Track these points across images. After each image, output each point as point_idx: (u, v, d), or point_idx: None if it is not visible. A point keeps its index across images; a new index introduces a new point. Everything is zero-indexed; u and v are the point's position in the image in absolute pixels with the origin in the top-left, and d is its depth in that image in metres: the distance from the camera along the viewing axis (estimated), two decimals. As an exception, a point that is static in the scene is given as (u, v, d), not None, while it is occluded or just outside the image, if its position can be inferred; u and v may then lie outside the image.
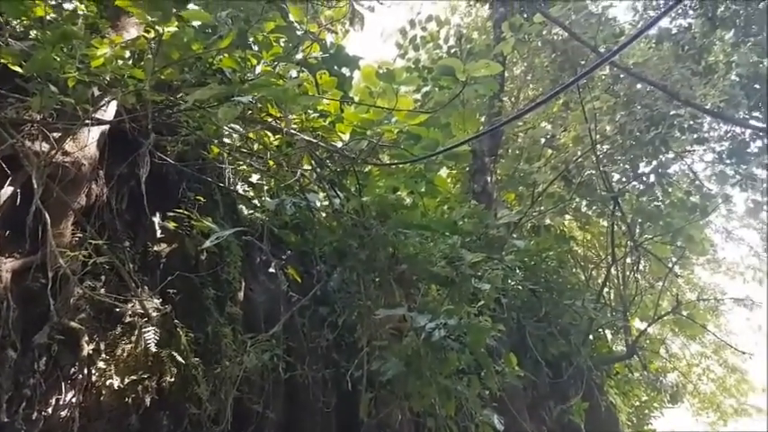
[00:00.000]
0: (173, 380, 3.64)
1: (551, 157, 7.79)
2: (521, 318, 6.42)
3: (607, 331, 8.94)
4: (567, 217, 9.64)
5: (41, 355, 3.24)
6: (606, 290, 8.52)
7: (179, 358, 3.67)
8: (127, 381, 3.42)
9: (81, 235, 3.53)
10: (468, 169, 7.97)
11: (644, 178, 8.02)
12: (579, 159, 7.60)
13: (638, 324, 9.18)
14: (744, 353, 9.68)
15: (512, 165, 8.25)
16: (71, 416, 3.22)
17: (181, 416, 3.74)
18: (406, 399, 4.51)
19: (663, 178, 7.90)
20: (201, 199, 4.39)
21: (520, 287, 6.15)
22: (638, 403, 9.96)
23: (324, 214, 5.14)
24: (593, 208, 8.65)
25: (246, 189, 5.64)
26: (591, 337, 7.28)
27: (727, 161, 8.41)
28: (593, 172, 7.62)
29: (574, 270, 8.91)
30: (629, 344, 7.55)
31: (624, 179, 8.22)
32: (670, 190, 8.12)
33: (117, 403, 3.38)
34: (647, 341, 9.18)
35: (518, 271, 5.95)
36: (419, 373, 4.06)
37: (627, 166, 8.07)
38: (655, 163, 7.96)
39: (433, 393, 4.10)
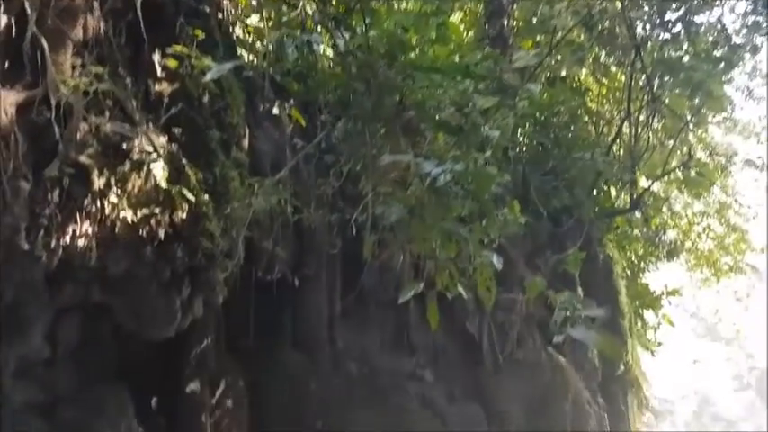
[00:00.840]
0: (184, 216, 3.79)
1: (573, 1, 7.29)
2: (527, 170, 6.47)
3: (612, 188, 9.04)
4: (584, 70, 9.31)
5: (54, 187, 3.34)
6: (616, 147, 8.47)
7: (189, 196, 3.79)
8: (139, 214, 3.55)
9: (81, 68, 3.47)
10: (483, 13, 7.56)
11: (670, 27, 7.60)
12: (603, 4, 7.11)
13: (643, 183, 9.25)
14: (749, 207, 9.78)
15: (531, 8, 7.75)
16: (88, 245, 3.40)
17: (194, 249, 3.94)
18: (408, 242, 4.68)
19: (690, 27, 7.48)
20: (200, 33, 4.22)
21: (528, 139, 6.11)
22: (634, 258, 10.36)
23: (328, 61, 4.99)
24: (613, 58, 8.30)
25: (247, 32, 5.43)
26: (595, 191, 7.37)
27: (762, 11, 7.90)
28: (617, 19, 7.19)
29: (586, 125, 8.78)
30: (633, 198, 7.65)
31: (649, 27, 7.78)
32: (696, 40, 7.73)
33: (131, 235, 3.55)
34: (651, 198, 9.31)
35: (529, 121, 5.87)
36: (422, 218, 4.17)
37: (653, 13, 7.60)
38: (683, 10, 7.48)
39: (435, 237, 4.24)
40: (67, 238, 3.32)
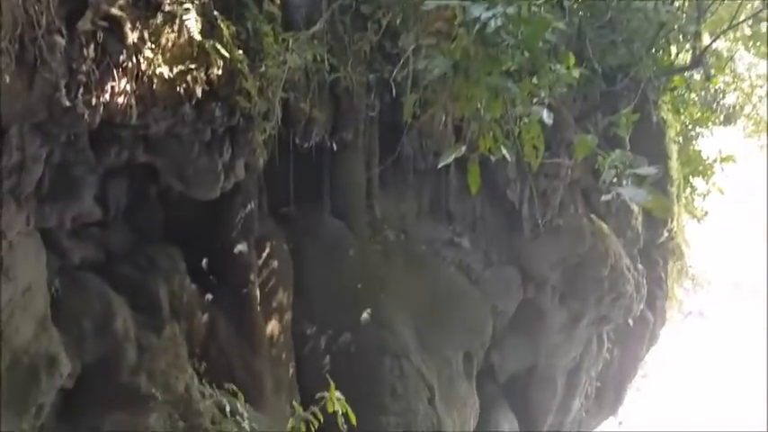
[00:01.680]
0: (220, 72, 3.67)
1: None
2: (582, 22, 5.96)
3: (672, 47, 8.37)
4: None
5: (88, 42, 3.22)
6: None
7: (223, 51, 3.64)
8: (175, 70, 3.45)
9: None
10: None
11: None
12: None
13: (706, 41, 8.52)
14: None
15: None
16: (127, 102, 3.34)
17: (232, 109, 3.87)
18: (451, 101, 4.47)
19: None
20: None
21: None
22: (688, 122, 9.85)
23: None
24: None
25: None
26: (655, 48, 6.79)
27: None
28: None
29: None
30: (695, 53, 7.06)
31: None
32: None
33: (169, 92, 3.47)
34: (714, 57, 8.62)
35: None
36: (467, 73, 3.93)
37: None
38: None
39: (480, 94, 4.01)
40: (107, 96, 3.26)
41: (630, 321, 8.82)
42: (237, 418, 4.26)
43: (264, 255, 5.96)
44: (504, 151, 4.23)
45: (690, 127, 9.99)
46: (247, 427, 4.26)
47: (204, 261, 5.43)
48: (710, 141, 10.35)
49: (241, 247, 5.34)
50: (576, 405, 9.44)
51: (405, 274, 7.07)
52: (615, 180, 3.34)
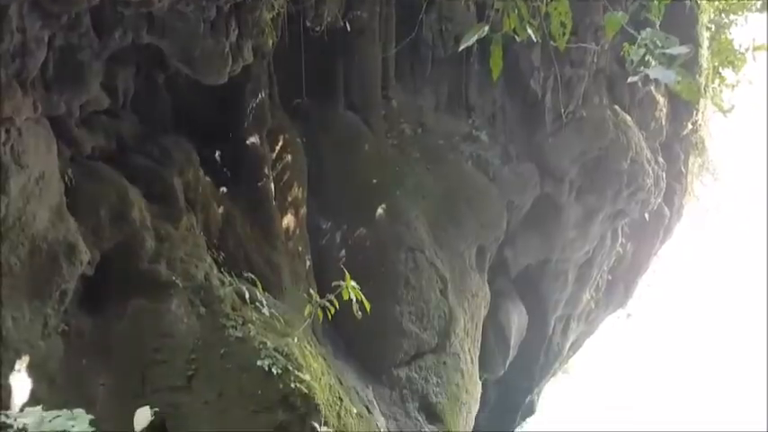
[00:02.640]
0: (223, -57, 3.38)
1: None
2: None
3: None
4: None
5: None
6: None
7: None
8: (174, -61, 3.17)
9: None
10: None
11: None
12: None
13: None
14: None
15: None
16: (126, -24, 3.11)
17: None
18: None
19: None
20: None
21: None
22: (723, 7, 9.19)
23: None
24: None
25: None
26: None
27: None
28: None
29: None
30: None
31: None
32: None
33: (170, -35, 3.22)
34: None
35: None
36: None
37: None
38: None
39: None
40: (103, -33, 3.03)
41: (647, 216, 8.76)
42: (257, 304, 4.35)
43: (278, 148, 5.87)
44: (530, 31, 3.98)
45: (724, 14, 9.32)
46: (267, 313, 4.35)
47: (217, 153, 5.36)
48: (744, 30, 9.71)
49: (253, 139, 5.24)
50: (586, 298, 9.64)
51: (421, 169, 6.97)
52: (645, 58, 3.15)
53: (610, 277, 9.76)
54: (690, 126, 8.65)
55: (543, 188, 7.88)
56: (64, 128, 3.84)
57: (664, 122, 8.18)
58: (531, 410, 10.83)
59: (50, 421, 2.69)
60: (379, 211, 6.44)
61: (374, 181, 6.55)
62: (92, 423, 2.70)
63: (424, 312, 6.36)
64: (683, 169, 9.04)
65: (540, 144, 7.55)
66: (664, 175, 8.20)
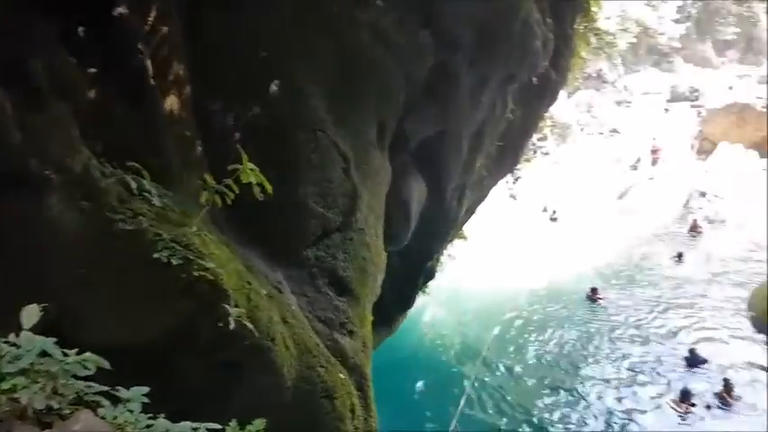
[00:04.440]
0: None
1: None
2: None
3: None
4: None
5: None
6: None
7: None
8: None
9: None
10: None
11: None
12: None
13: None
14: None
15: None
16: None
17: None
18: None
19: None
20: None
21: None
22: None
23: None
24: None
25: None
26: None
27: None
28: None
29: None
30: None
31: None
32: None
33: None
34: None
35: None
36: None
37: None
38: None
39: None
40: None
41: (535, 79, 8.99)
42: (146, 195, 4.05)
43: (150, 19, 5.21)
44: None
45: None
46: (158, 203, 4.08)
47: (80, 29, 4.67)
48: None
49: (121, 9, 4.59)
50: (478, 165, 10.01)
51: (316, 39, 6.53)
52: None
53: (501, 144, 10.13)
54: (577, -13, 8.69)
55: (438, 56, 7.76)
56: None
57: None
58: (431, 275, 11.52)
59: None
60: (273, 87, 6.07)
61: (263, 54, 6.09)
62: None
63: (327, 192, 6.30)
64: (570, 31, 9.20)
65: (434, 8, 7.30)
66: (551, 37, 8.31)
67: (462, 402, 14.29)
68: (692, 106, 58.37)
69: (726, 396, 15.52)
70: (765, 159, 35.45)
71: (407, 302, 11.13)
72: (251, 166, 4.18)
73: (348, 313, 6.56)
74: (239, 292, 4.43)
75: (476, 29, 7.48)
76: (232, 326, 3.97)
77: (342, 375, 6.10)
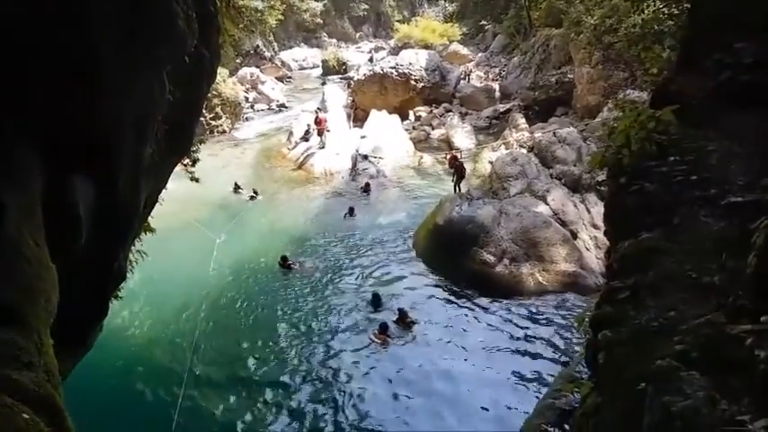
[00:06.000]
0: None
1: None
2: None
3: None
4: None
5: None
6: None
7: None
8: None
9: None
10: None
11: None
12: None
13: None
14: None
15: None
16: None
17: None
18: None
19: None
20: None
21: None
22: None
23: None
24: None
25: None
26: None
27: None
28: None
29: None
30: None
31: None
32: None
33: None
34: None
35: None
36: None
37: None
38: None
39: None
40: None
41: (187, 59, 8.84)
42: None
43: None
44: None
45: None
46: None
47: None
48: None
49: None
50: (149, 151, 9.48)
51: None
52: None
53: (167, 127, 9.76)
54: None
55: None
56: None
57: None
58: (121, 277, 10.66)
59: None
60: None
61: None
62: None
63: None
64: (212, 8, 9.25)
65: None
66: (194, 15, 8.24)
67: (182, 391, 14.02)
68: (342, 78, 65.38)
69: (401, 323, 18.78)
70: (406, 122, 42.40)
71: (99, 313, 10.08)
72: None
73: (19, 343, 5.62)
74: None
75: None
76: None
77: (26, 416, 5.25)
